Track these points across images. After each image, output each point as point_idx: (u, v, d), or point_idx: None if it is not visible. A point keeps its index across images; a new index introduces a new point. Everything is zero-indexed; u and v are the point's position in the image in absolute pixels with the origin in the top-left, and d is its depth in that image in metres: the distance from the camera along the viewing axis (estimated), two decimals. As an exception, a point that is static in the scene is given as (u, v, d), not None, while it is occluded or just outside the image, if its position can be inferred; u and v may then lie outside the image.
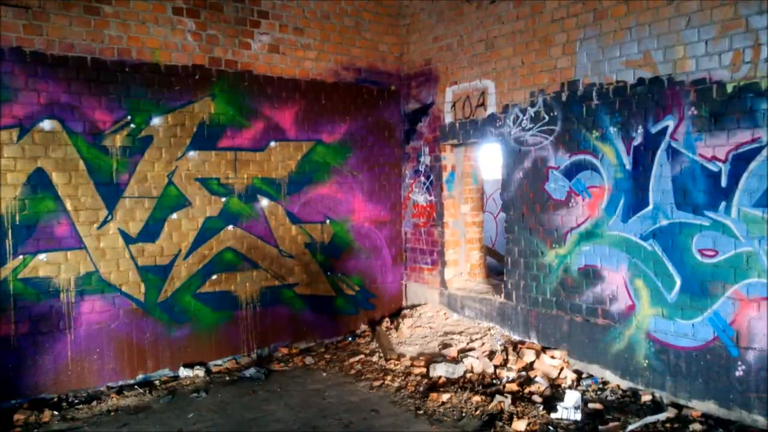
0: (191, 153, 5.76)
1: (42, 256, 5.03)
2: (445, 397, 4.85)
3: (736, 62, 4.18)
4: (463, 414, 4.60)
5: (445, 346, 5.93)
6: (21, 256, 4.94)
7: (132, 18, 5.39)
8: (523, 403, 4.67)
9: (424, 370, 5.48)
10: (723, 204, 4.29)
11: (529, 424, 4.32)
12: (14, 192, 4.89)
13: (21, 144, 4.91)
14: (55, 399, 5.03)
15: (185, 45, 5.69)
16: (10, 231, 4.88)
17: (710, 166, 4.36)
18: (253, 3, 6.11)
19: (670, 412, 4.45)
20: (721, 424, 4.28)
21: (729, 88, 4.23)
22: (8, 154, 4.86)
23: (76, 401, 5.00)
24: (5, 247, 4.87)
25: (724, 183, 4.28)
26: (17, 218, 4.91)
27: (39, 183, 5.00)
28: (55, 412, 4.74)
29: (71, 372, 5.16)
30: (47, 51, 5.00)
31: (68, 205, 5.14)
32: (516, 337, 5.96)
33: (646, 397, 4.74)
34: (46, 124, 5.02)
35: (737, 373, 4.28)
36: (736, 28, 4.18)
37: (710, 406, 4.45)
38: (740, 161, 4.19)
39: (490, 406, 4.64)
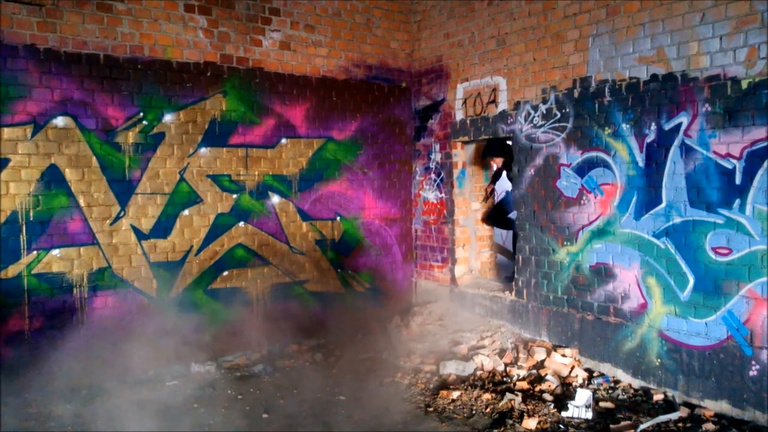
0: (203, 150, 5.78)
1: (55, 252, 5.08)
2: (455, 394, 4.85)
3: (752, 58, 4.14)
4: (474, 412, 4.59)
5: (456, 343, 5.92)
6: (35, 252, 4.99)
7: (144, 15, 5.42)
8: (533, 401, 4.66)
9: (434, 367, 5.47)
10: (737, 202, 4.24)
11: (539, 423, 4.31)
12: (28, 188, 4.94)
13: (35, 140, 4.95)
14: (68, 393, 5.07)
15: (197, 42, 5.71)
16: (24, 227, 4.93)
17: (724, 164, 4.31)
18: (265, 0, 6.12)
19: (683, 412, 4.42)
20: (734, 424, 4.24)
21: (744, 85, 4.18)
22: (22, 150, 4.90)
23: (89, 395, 5.04)
24: (19, 243, 4.92)
25: (738, 180, 4.24)
26: (31, 214, 4.95)
27: (52, 179, 5.04)
28: (68, 406, 4.78)
29: (84, 366, 5.19)
30: (60, 48, 5.04)
31: (81, 201, 5.18)
32: (527, 335, 5.94)
33: (658, 397, 4.71)
34: (60, 121, 5.06)
35: (751, 373, 4.24)
36: (752, 24, 4.13)
37: (723, 406, 4.41)
38: (755, 158, 4.14)
39: (500, 404, 4.63)
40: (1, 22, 4.77)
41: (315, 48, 6.50)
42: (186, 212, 5.73)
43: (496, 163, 6.98)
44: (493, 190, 7.20)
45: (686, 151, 4.54)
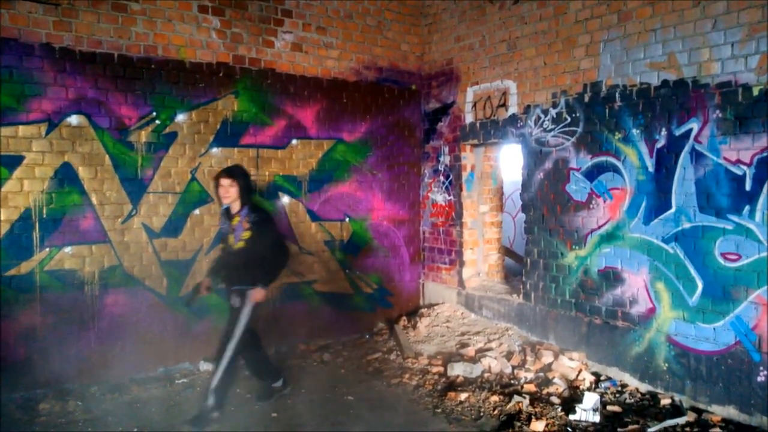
0: (214, 149, 5.82)
1: (68, 249, 5.12)
2: (462, 396, 4.87)
3: (763, 65, 4.15)
4: (481, 413, 4.61)
5: (463, 345, 5.94)
6: (47, 249, 5.03)
7: (158, 15, 5.46)
8: (541, 404, 4.68)
9: (441, 369, 5.49)
10: (747, 208, 4.25)
11: (547, 425, 4.32)
12: (42, 186, 4.99)
13: (49, 138, 5.00)
14: (79, 389, 5.12)
15: (210, 43, 5.75)
16: (37, 224, 4.97)
17: (734, 170, 4.32)
18: (277, 2, 6.16)
19: (690, 417, 4.43)
20: (741, 429, 4.25)
21: (755, 92, 4.20)
22: (36, 148, 4.95)
23: (99, 392, 5.09)
24: (32, 240, 4.96)
25: (748, 187, 4.25)
26: (44, 211, 5.00)
27: (66, 177, 5.08)
28: (79, 403, 4.83)
29: (94, 363, 5.24)
30: (76, 47, 5.08)
31: (94, 200, 5.22)
32: (534, 338, 5.95)
33: (665, 401, 4.72)
34: (74, 119, 5.10)
35: (759, 379, 4.25)
36: (764, 31, 4.14)
37: (731, 412, 4.41)
38: (765, 165, 4.15)
39: (508, 406, 4.65)
40: (18, 20, 4.82)
41: (326, 50, 6.53)
42: (197, 211, 5.77)
43: (223, 185, 4.40)
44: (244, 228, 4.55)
45: (696, 156, 4.56)
